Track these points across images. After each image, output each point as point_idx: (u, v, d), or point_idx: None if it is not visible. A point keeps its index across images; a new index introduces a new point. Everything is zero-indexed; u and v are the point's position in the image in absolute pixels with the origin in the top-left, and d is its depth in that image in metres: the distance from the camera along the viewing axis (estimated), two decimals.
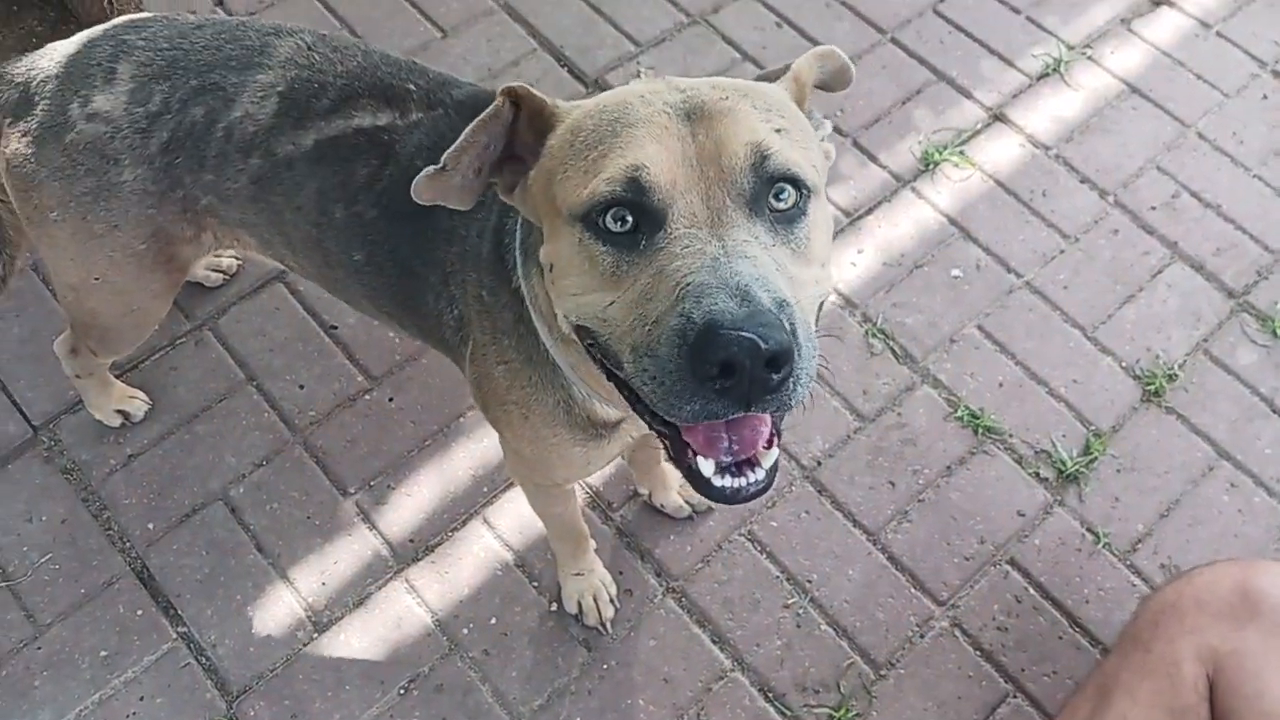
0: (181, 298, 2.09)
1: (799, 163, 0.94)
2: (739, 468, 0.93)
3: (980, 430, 2.00)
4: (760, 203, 0.92)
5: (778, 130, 0.94)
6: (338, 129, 1.32)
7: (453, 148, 0.99)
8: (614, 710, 1.74)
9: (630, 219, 0.91)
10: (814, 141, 1.02)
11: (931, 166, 2.33)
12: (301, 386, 2.02)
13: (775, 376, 0.80)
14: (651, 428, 0.97)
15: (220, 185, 1.38)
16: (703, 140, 0.92)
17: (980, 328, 2.13)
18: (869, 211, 2.27)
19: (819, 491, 1.93)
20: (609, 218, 0.92)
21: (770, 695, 1.75)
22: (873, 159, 2.34)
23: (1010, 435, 2.01)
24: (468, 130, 0.99)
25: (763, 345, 0.78)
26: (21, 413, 1.98)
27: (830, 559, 1.87)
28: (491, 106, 0.99)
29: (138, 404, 1.97)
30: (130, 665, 1.76)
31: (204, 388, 2.02)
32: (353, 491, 1.92)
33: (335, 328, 2.09)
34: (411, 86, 1.33)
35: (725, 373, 0.80)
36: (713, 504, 1.88)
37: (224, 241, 1.49)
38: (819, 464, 1.96)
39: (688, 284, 0.84)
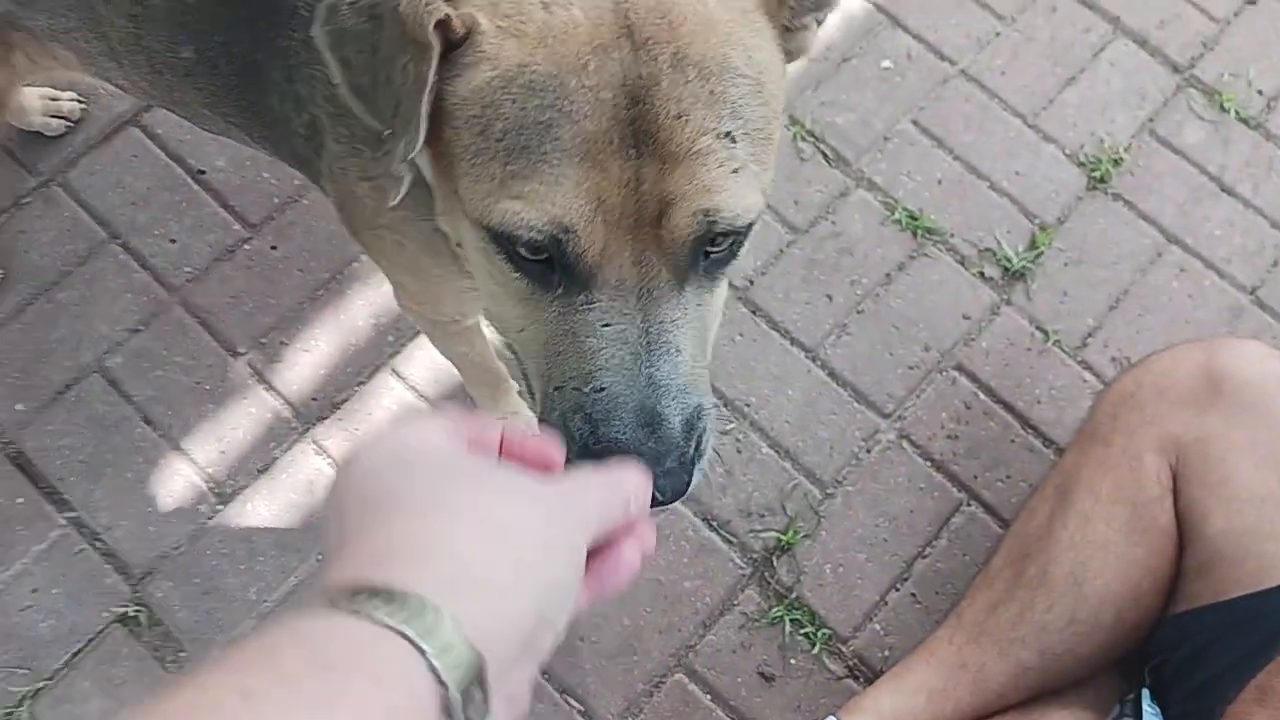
0: (20, 151, 1.84)
1: (750, 208, 0.77)
2: None
3: (920, 232, 1.87)
4: (696, 263, 0.78)
5: (734, 170, 0.75)
6: None
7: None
8: None
9: (547, 255, 0.76)
10: (775, 130, 0.80)
11: None
12: (173, 240, 1.81)
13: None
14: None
15: None
16: (646, 193, 0.73)
17: (915, 122, 1.97)
18: None
19: (753, 312, 1.80)
20: (522, 248, 0.76)
21: (714, 524, 1.66)
22: None
23: (952, 235, 1.88)
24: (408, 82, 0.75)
25: (658, 498, 0.74)
26: None
27: (768, 380, 1.76)
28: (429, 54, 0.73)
29: None
30: (17, 557, 1.60)
31: (61, 250, 1.80)
32: (243, 351, 1.74)
33: (203, 172, 1.86)
34: None
35: None
36: None
37: (39, 62, 1.26)
38: (751, 283, 1.82)
39: (600, 385, 0.76)
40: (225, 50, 1.08)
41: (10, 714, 1.51)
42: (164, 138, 1.88)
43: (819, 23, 0.83)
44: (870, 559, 1.66)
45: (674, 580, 1.63)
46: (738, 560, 1.65)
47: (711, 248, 0.78)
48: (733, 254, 0.81)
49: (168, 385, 1.71)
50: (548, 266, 0.77)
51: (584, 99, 0.72)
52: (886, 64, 2.02)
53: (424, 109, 0.73)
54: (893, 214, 1.88)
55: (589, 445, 0.76)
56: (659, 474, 0.75)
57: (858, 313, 1.81)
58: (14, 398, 1.70)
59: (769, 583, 1.64)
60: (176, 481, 1.66)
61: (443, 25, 0.72)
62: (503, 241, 0.77)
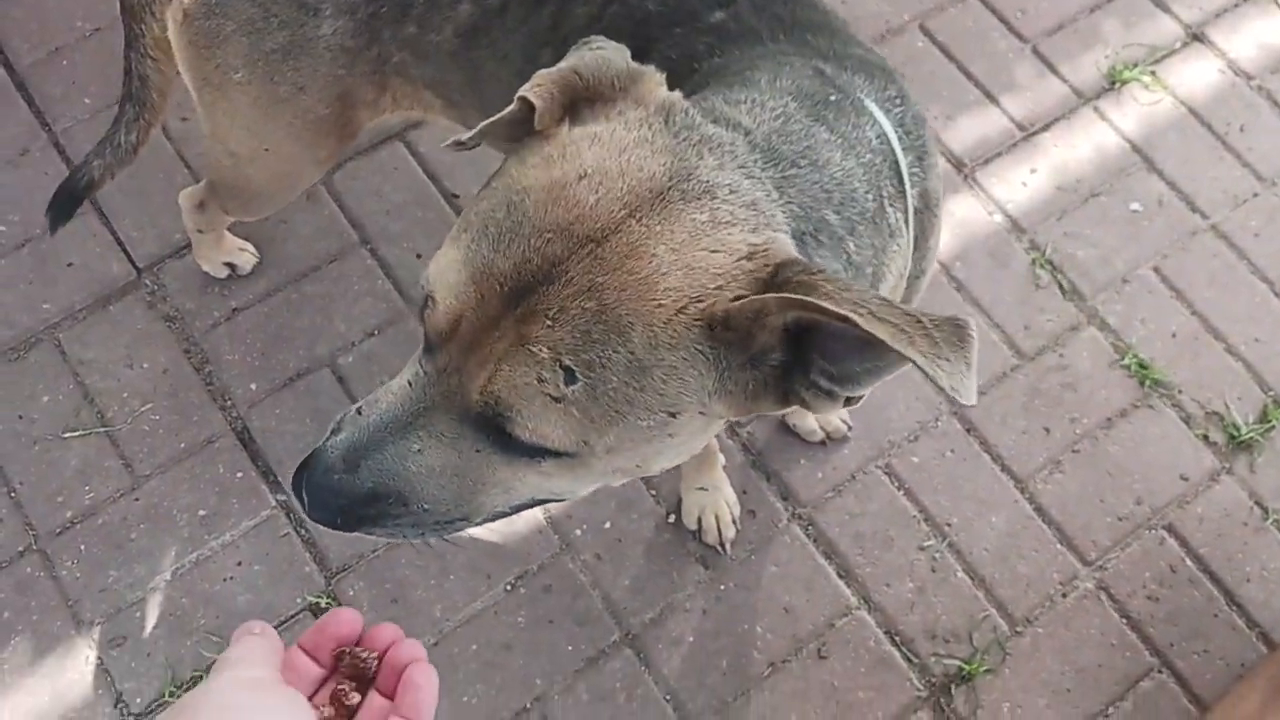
0: None
1: (551, 440, 0.78)
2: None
3: (1148, 382, 1.83)
4: (486, 426, 0.81)
5: (552, 398, 0.76)
6: None
7: (470, 134, 0.88)
8: (729, 634, 1.63)
9: None
10: (641, 419, 0.79)
11: (1118, 85, 2.10)
12: (419, 255, 1.89)
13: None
14: None
15: (421, 38, 1.22)
16: (494, 340, 0.77)
17: (1157, 270, 1.93)
18: (1045, 128, 2.06)
19: (967, 430, 1.78)
20: None
21: (897, 639, 1.64)
22: (1053, 70, 2.11)
23: (1180, 391, 1.83)
24: (484, 124, 0.86)
25: (307, 510, 0.84)
26: (126, 253, 1.86)
27: (973, 503, 1.73)
28: (507, 110, 0.85)
29: (246, 257, 1.84)
30: (228, 528, 1.68)
31: (314, 246, 1.89)
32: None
33: (456, 196, 1.94)
34: None
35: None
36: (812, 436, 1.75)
37: (402, 104, 1.34)
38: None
39: (361, 408, 0.85)
40: None
41: (200, 677, 1.57)
42: (425, 156, 1.97)
43: (847, 401, 0.79)
44: (1051, 706, 1.61)
45: (848, 688, 1.61)
46: (916, 681, 1.62)
47: (508, 430, 0.79)
48: (530, 455, 0.81)
49: None
50: None
51: (518, 246, 0.78)
52: (1136, 206, 1.99)
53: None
54: (1122, 358, 1.85)
55: (323, 438, 0.86)
56: (307, 481, 0.83)
57: (1073, 451, 1.78)
58: (250, 376, 1.79)
59: (944, 710, 1.60)
60: None
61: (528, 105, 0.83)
62: None
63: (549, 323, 0.76)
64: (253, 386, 1.78)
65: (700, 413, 0.80)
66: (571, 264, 0.76)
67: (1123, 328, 1.88)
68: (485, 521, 0.89)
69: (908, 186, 0.99)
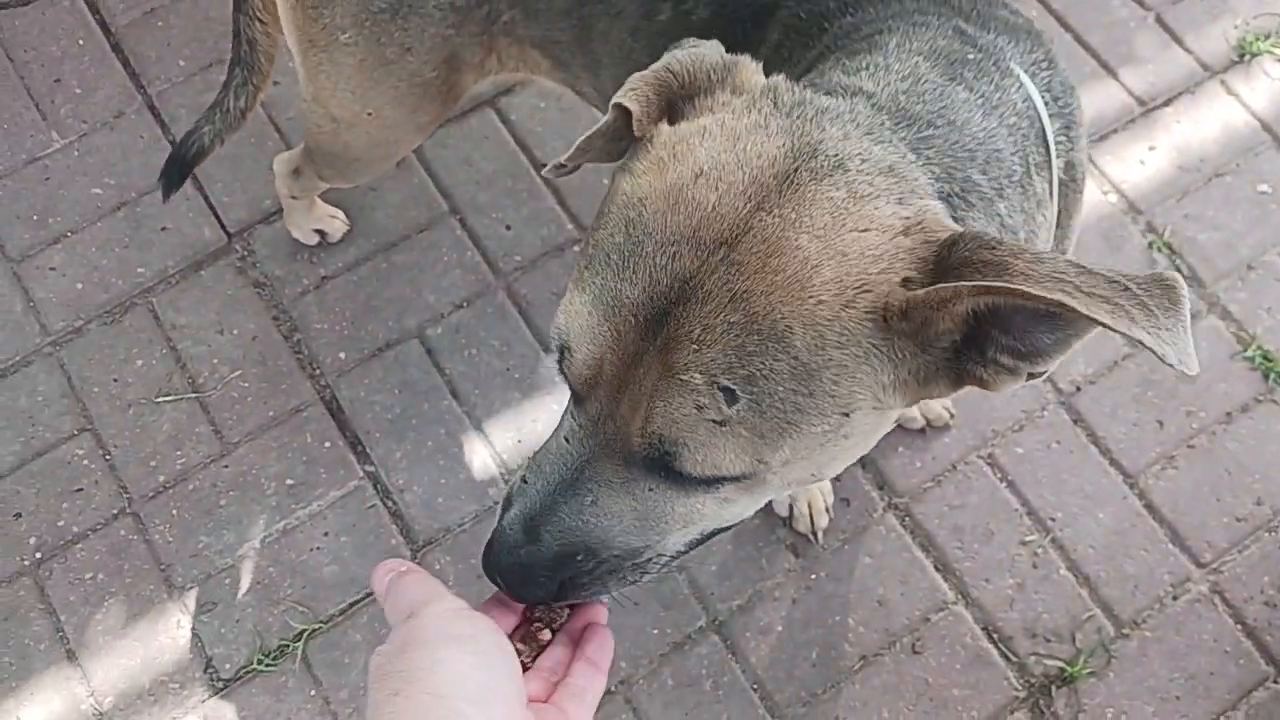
0: None
1: (721, 467, 0.73)
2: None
3: (1272, 376, 1.72)
4: (653, 465, 0.76)
5: (715, 422, 0.71)
6: None
7: (569, 153, 0.85)
8: (819, 625, 1.59)
9: None
10: (816, 425, 0.73)
11: (1247, 58, 1.97)
12: (508, 228, 1.85)
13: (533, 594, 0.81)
14: None
15: None
16: (641, 376, 0.72)
17: None
18: (1167, 103, 1.94)
19: (1074, 420, 1.70)
20: None
21: (995, 636, 1.58)
22: (1177, 40, 1.99)
23: None
24: (581, 140, 0.83)
25: (499, 582, 0.80)
26: (218, 218, 1.86)
27: (1079, 497, 1.65)
28: (603, 121, 0.82)
29: (337, 224, 1.83)
30: (315, 498, 1.68)
31: (404, 215, 1.87)
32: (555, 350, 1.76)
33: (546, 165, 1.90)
34: None
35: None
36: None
37: (508, 65, 1.30)
38: (1078, 389, 1.72)
39: (528, 478, 0.82)
40: None
41: (287, 647, 1.58)
42: (515, 124, 1.93)
43: (1030, 376, 0.72)
44: (1157, 714, 1.54)
45: (943, 685, 1.55)
46: (1013, 680, 1.56)
47: (677, 468, 0.74)
48: (705, 485, 0.76)
49: (479, 365, 1.76)
50: None
51: (644, 268, 0.72)
52: (1264, 188, 1.87)
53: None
54: (1245, 350, 1.74)
55: (498, 519, 0.84)
56: (497, 564, 0.80)
57: (1189, 447, 1.69)
58: (339, 346, 1.78)
59: (1043, 712, 1.54)
60: (472, 461, 1.70)
61: (626, 113, 0.79)
62: None
63: (694, 346, 0.70)
64: (341, 355, 1.77)
65: (875, 408, 0.74)
66: (705, 276, 0.70)
67: (1246, 317, 1.77)
68: (680, 555, 0.85)
69: (1053, 156, 0.91)
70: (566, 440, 0.79)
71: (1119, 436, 1.69)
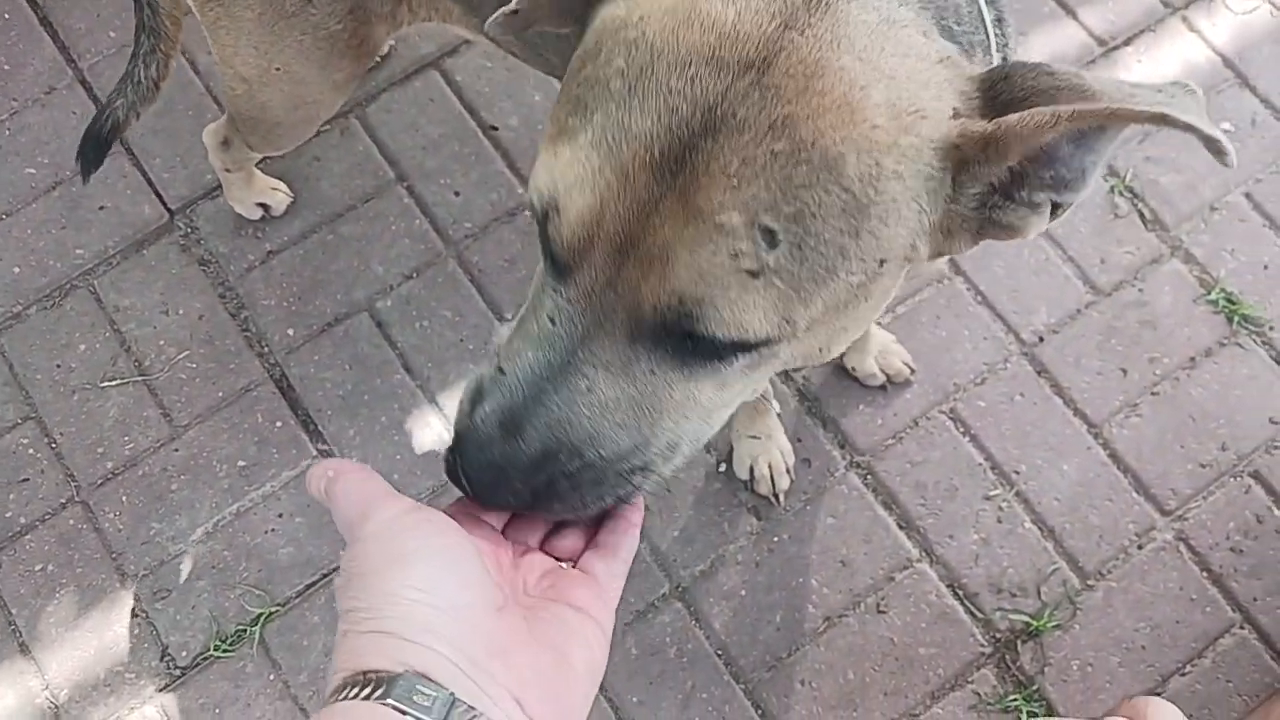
0: None
1: (749, 328, 0.64)
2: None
3: (1236, 318, 1.70)
4: (661, 338, 0.67)
5: (749, 272, 0.62)
6: None
7: None
8: (783, 588, 1.57)
9: None
10: (850, 278, 0.65)
11: None
12: (457, 194, 1.80)
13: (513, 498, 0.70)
14: None
15: None
16: (653, 228, 0.63)
17: (1249, 196, 1.79)
18: (1127, 42, 1.89)
19: (1038, 371, 1.68)
20: None
21: (960, 593, 1.57)
22: None
23: (1271, 328, 1.70)
24: None
25: (465, 487, 0.70)
26: (158, 194, 1.81)
27: (1043, 450, 1.64)
28: None
29: (280, 197, 1.78)
30: (269, 479, 1.65)
31: (349, 184, 1.82)
32: (509, 318, 1.73)
33: (495, 128, 1.85)
34: None
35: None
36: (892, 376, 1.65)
37: (419, 13, 1.25)
38: (1040, 339, 1.69)
39: (503, 368, 0.71)
40: None
41: (244, 632, 1.55)
42: (461, 85, 1.88)
43: (1056, 208, 0.67)
44: (1124, 664, 1.54)
45: (908, 644, 1.54)
46: (979, 636, 1.55)
47: (692, 338, 0.66)
48: (720, 356, 0.68)
49: (431, 337, 1.72)
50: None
51: (657, 93, 0.62)
52: (1227, 126, 1.83)
53: None
54: (1208, 293, 1.72)
55: (461, 415, 0.73)
56: (469, 464, 0.70)
57: (1152, 394, 1.67)
58: (287, 322, 1.74)
59: (1009, 667, 1.53)
60: (427, 435, 1.67)
61: None
62: None
63: (731, 180, 0.60)
64: (290, 332, 1.73)
65: (906, 258, 0.67)
66: (735, 102, 0.61)
67: (1209, 260, 1.74)
68: (667, 470, 0.75)
69: (993, 44, 0.85)
70: (551, 321, 0.69)
71: (1083, 386, 1.67)
